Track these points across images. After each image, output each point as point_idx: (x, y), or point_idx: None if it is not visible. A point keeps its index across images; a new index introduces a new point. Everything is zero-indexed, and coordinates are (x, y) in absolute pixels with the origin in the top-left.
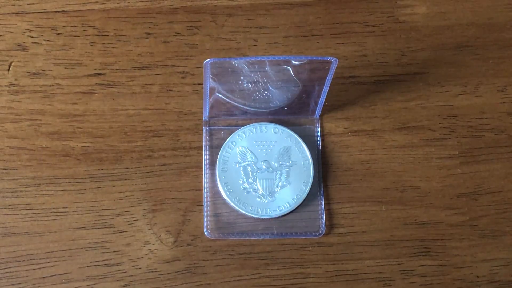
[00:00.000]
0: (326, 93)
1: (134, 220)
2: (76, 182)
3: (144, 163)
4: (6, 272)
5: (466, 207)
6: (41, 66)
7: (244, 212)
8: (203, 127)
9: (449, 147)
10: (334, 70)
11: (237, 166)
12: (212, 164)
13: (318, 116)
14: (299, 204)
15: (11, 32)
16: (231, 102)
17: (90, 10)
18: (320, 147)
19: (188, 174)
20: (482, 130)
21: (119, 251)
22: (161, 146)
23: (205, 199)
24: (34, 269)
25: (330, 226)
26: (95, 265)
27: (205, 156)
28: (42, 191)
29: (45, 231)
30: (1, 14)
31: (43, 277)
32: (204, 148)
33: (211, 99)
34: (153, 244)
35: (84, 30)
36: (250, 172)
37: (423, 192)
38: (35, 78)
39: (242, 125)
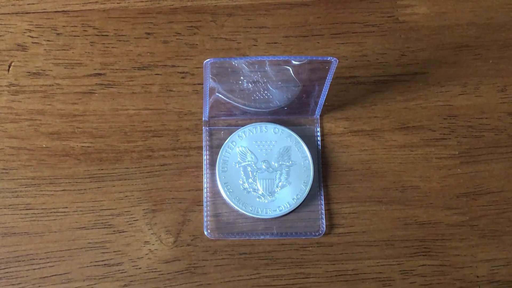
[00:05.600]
0: (326, 93)
1: (134, 220)
2: (76, 182)
3: (144, 163)
4: (6, 272)
5: (466, 207)
6: (41, 66)
7: (244, 212)
8: (203, 127)
9: (449, 147)
10: (334, 70)
11: (237, 166)
12: (212, 164)
13: (318, 116)
14: (299, 204)
15: (11, 32)
16: (231, 102)
17: (90, 10)
18: (320, 147)
19: (188, 174)
20: (482, 130)
21: (119, 251)
22: (161, 146)
23: (205, 199)
24: (34, 269)
25: (330, 226)
26: (95, 265)
27: (205, 156)
28: (42, 191)
29: (45, 231)
30: (1, 14)
31: (43, 277)
32: (204, 148)
33: (211, 99)
34: (153, 244)
35: (84, 30)
36: (250, 172)
37: (423, 192)
38: (35, 78)
39: (242, 125)
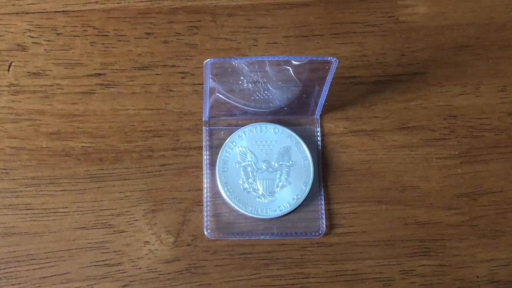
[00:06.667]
0: (326, 93)
1: (134, 220)
2: (76, 182)
3: (144, 163)
4: (6, 272)
5: (466, 207)
6: (41, 66)
7: (244, 212)
8: (203, 127)
9: (449, 147)
10: (334, 70)
11: (237, 166)
12: (212, 164)
13: (318, 116)
14: (299, 204)
15: (11, 32)
16: (231, 102)
17: (90, 10)
18: (320, 147)
19: (188, 174)
20: (482, 130)
21: (119, 251)
22: (161, 146)
23: (205, 199)
24: (34, 269)
25: (330, 226)
26: (95, 265)
27: (205, 156)
28: (42, 191)
29: (45, 231)
30: (1, 14)
31: (43, 277)
32: (204, 148)
33: (211, 99)
34: (153, 244)
35: (84, 30)
36: (250, 172)
37: (423, 192)
38: (35, 78)
39: (242, 125)
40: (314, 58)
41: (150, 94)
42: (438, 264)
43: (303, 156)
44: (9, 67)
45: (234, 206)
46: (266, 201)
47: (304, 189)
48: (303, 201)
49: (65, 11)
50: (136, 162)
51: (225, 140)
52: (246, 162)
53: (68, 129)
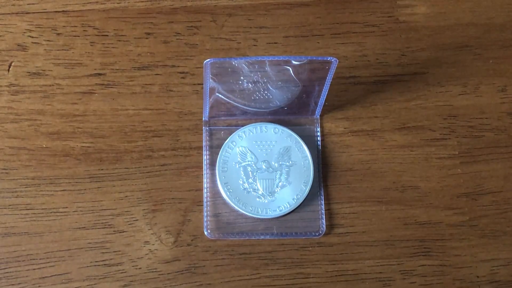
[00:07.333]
0: (326, 93)
1: (134, 220)
2: (76, 182)
3: (144, 163)
4: (6, 272)
5: (466, 207)
6: (41, 66)
7: (244, 212)
8: (203, 127)
9: (449, 147)
10: (334, 70)
11: (237, 166)
12: (212, 164)
13: (318, 116)
14: (299, 204)
15: (11, 32)
16: (231, 102)
17: (90, 10)
18: (320, 147)
19: (188, 174)
20: (482, 130)
21: (119, 251)
22: (161, 146)
23: (205, 199)
24: (34, 269)
25: (330, 226)
26: (95, 265)
27: (205, 156)
28: (42, 191)
29: (45, 231)
30: (1, 14)
31: (43, 277)
32: (204, 148)
33: (211, 99)
34: (153, 244)
35: (84, 30)
36: (250, 172)
37: (423, 192)
38: (35, 78)
39: (242, 125)
40: (314, 58)
41: (150, 94)
42: (438, 264)
43: (303, 156)
44: (9, 67)
45: (234, 206)
46: (266, 201)
47: (304, 189)
48: (303, 201)
49: (65, 11)
50: (136, 162)
51: (225, 140)
52: (246, 162)
53: (68, 129)
